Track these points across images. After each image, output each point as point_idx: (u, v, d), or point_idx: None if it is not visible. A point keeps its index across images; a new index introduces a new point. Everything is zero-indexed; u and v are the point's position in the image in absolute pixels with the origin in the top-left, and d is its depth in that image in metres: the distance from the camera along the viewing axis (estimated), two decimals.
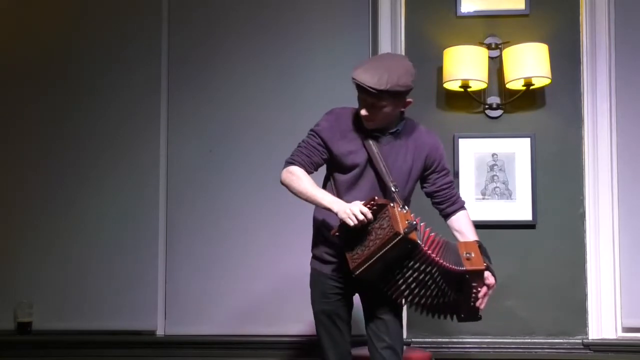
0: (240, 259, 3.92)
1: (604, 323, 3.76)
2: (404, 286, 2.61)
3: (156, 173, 4.00)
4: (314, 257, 2.90)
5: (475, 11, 3.95)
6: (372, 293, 2.78)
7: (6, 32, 4.16)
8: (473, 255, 2.62)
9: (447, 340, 3.82)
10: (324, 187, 2.84)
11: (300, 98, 3.94)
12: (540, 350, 3.76)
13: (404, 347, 3.58)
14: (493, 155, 3.86)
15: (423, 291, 2.61)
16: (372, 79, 2.60)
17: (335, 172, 2.81)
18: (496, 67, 3.90)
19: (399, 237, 2.50)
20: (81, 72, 4.08)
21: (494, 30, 3.93)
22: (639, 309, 3.75)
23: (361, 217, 2.55)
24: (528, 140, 3.84)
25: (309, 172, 2.78)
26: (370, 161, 2.74)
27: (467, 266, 2.58)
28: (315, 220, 2.89)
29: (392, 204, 2.59)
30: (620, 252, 3.78)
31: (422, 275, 2.58)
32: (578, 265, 3.81)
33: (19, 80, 4.12)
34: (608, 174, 3.81)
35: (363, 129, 2.76)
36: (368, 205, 2.57)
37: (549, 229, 3.83)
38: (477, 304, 2.65)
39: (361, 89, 2.65)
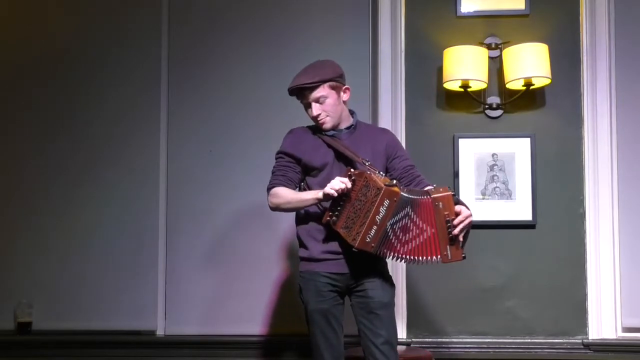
0: (240, 259, 3.92)
1: (604, 323, 3.76)
2: (395, 241, 2.74)
3: (156, 173, 4.00)
4: (304, 259, 2.95)
5: (475, 11, 3.95)
6: (365, 289, 2.87)
7: (6, 32, 4.15)
8: (440, 189, 2.76)
9: (447, 340, 3.82)
10: None
11: None
12: (540, 350, 3.76)
13: (404, 347, 3.61)
14: (493, 155, 3.86)
15: (407, 235, 2.74)
16: (304, 78, 2.89)
17: (307, 177, 2.98)
18: (496, 67, 3.91)
19: (382, 191, 2.68)
20: (80, 72, 4.08)
21: (494, 30, 3.93)
22: (639, 309, 3.75)
23: (341, 184, 2.71)
24: (528, 140, 3.84)
25: (291, 189, 2.96)
26: (337, 156, 2.92)
27: (433, 194, 2.72)
28: (298, 222, 2.99)
29: (368, 172, 2.78)
30: (620, 252, 3.78)
31: (403, 219, 2.72)
32: (578, 265, 3.81)
33: (18, 80, 4.11)
34: (608, 174, 3.81)
35: (322, 135, 2.97)
36: (346, 177, 2.75)
37: (549, 229, 3.83)
38: (454, 232, 2.71)
39: (300, 92, 2.92)
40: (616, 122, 3.83)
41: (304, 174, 2.98)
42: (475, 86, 3.80)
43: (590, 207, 3.82)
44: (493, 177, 3.85)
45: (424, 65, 3.95)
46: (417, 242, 2.74)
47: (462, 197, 3.80)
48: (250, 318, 3.88)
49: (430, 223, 2.72)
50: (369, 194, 2.71)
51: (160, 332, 3.95)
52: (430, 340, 3.79)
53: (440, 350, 3.76)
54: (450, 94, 3.89)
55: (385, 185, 2.69)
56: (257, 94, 3.99)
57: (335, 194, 2.72)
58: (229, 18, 4.05)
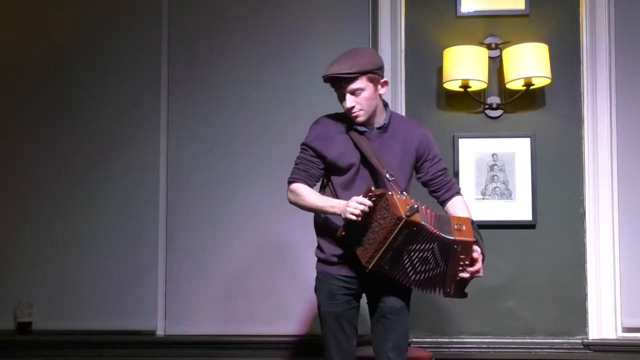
0: (240, 259, 3.92)
1: (604, 323, 3.76)
2: (410, 268, 2.66)
3: (156, 173, 4.00)
4: (320, 260, 2.89)
5: (475, 11, 3.95)
6: (379, 292, 2.81)
7: (6, 30, 4.15)
8: (464, 228, 2.67)
9: (447, 340, 3.82)
10: (322, 192, 2.90)
11: (300, 98, 3.94)
12: (540, 350, 3.76)
13: None
14: (493, 155, 3.86)
15: (424, 267, 2.66)
16: (342, 67, 2.72)
17: (332, 175, 2.86)
18: (496, 67, 3.90)
19: (402, 222, 2.55)
20: (80, 71, 4.08)
21: (494, 30, 3.93)
22: (639, 309, 3.75)
23: (360, 207, 2.59)
24: (528, 140, 3.84)
25: (311, 185, 2.86)
26: (363, 159, 2.80)
27: (457, 236, 2.62)
28: (316, 223, 2.91)
29: (390, 192, 2.63)
30: (620, 252, 3.78)
31: (425, 252, 2.63)
32: (578, 265, 3.81)
33: (18, 80, 4.11)
34: (608, 174, 3.81)
35: (351, 130, 2.83)
36: (366, 197, 2.62)
37: (549, 229, 3.83)
38: (464, 276, 2.67)
39: (336, 81, 2.75)
40: (616, 122, 3.83)
41: (328, 170, 2.85)
42: (475, 86, 3.80)
43: (590, 207, 3.82)
44: (493, 177, 3.85)
45: (424, 65, 3.94)
46: (429, 275, 2.67)
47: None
48: (249, 318, 3.88)
49: (445, 260, 2.64)
50: (389, 219, 2.58)
51: (160, 332, 3.95)
52: (430, 340, 3.79)
53: (440, 350, 3.76)
54: (450, 94, 3.89)
55: (406, 215, 2.54)
56: (257, 94, 3.98)
57: (354, 219, 2.61)
58: (229, 18, 4.05)
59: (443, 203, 2.92)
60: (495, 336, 3.81)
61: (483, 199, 3.84)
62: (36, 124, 4.08)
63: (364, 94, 2.75)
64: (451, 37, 3.89)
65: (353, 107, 2.76)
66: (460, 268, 2.66)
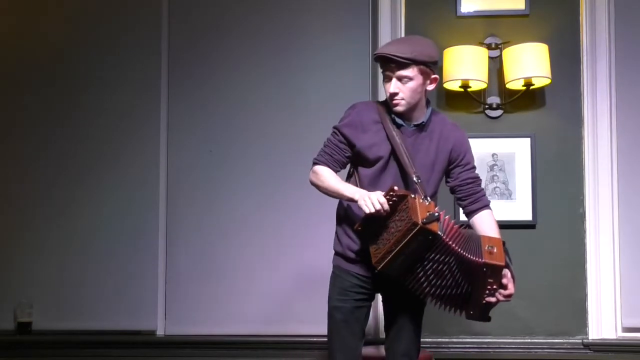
0: (240, 259, 3.92)
1: (604, 323, 3.76)
2: (423, 278, 2.56)
3: (156, 173, 4.00)
4: (337, 254, 2.82)
5: (475, 11, 3.95)
6: (394, 296, 2.76)
7: (5, 29, 4.15)
8: (495, 250, 2.54)
9: (447, 340, 3.82)
10: (348, 182, 2.80)
11: (300, 97, 3.94)
12: (540, 350, 3.76)
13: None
14: (493, 155, 3.86)
15: (439, 281, 2.56)
16: (398, 49, 2.63)
17: (359, 166, 2.78)
18: (496, 67, 3.90)
19: (417, 228, 2.44)
20: (80, 71, 4.07)
21: (494, 30, 3.93)
22: (639, 309, 3.75)
23: (378, 205, 2.50)
24: (528, 140, 3.84)
25: (335, 171, 2.78)
26: (393, 153, 2.70)
27: (487, 259, 2.50)
28: (338, 216, 2.84)
29: (412, 195, 2.53)
30: (620, 252, 3.78)
31: (440, 265, 2.53)
32: (578, 265, 3.81)
33: (16, 78, 4.11)
34: (608, 174, 3.81)
35: (386, 121, 2.72)
36: (387, 196, 2.52)
37: (549, 229, 3.83)
38: (491, 300, 2.58)
39: (387, 61, 2.65)
40: (616, 122, 3.83)
41: (356, 159, 2.77)
42: (475, 86, 3.80)
43: (590, 207, 3.82)
44: (493, 177, 3.85)
45: None
46: (448, 292, 2.57)
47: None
48: (250, 318, 3.88)
49: (469, 282, 2.55)
50: (405, 223, 2.47)
51: (160, 332, 3.94)
52: (430, 340, 3.78)
53: (440, 350, 3.76)
54: (450, 94, 3.89)
55: (422, 221, 2.42)
56: (257, 94, 3.98)
57: (368, 212, 2.51)
58: (229, 18, 4.05)
59: (469, 215, 2.81)
60: (495, 336, 3.81)
61: None
62: (36, 124, 4.08)
63: (411, 84, 2.65)
64: (451, 37, 3.89)
65: (396, 93, 2.66)
66: (487, 292, 2.56)
